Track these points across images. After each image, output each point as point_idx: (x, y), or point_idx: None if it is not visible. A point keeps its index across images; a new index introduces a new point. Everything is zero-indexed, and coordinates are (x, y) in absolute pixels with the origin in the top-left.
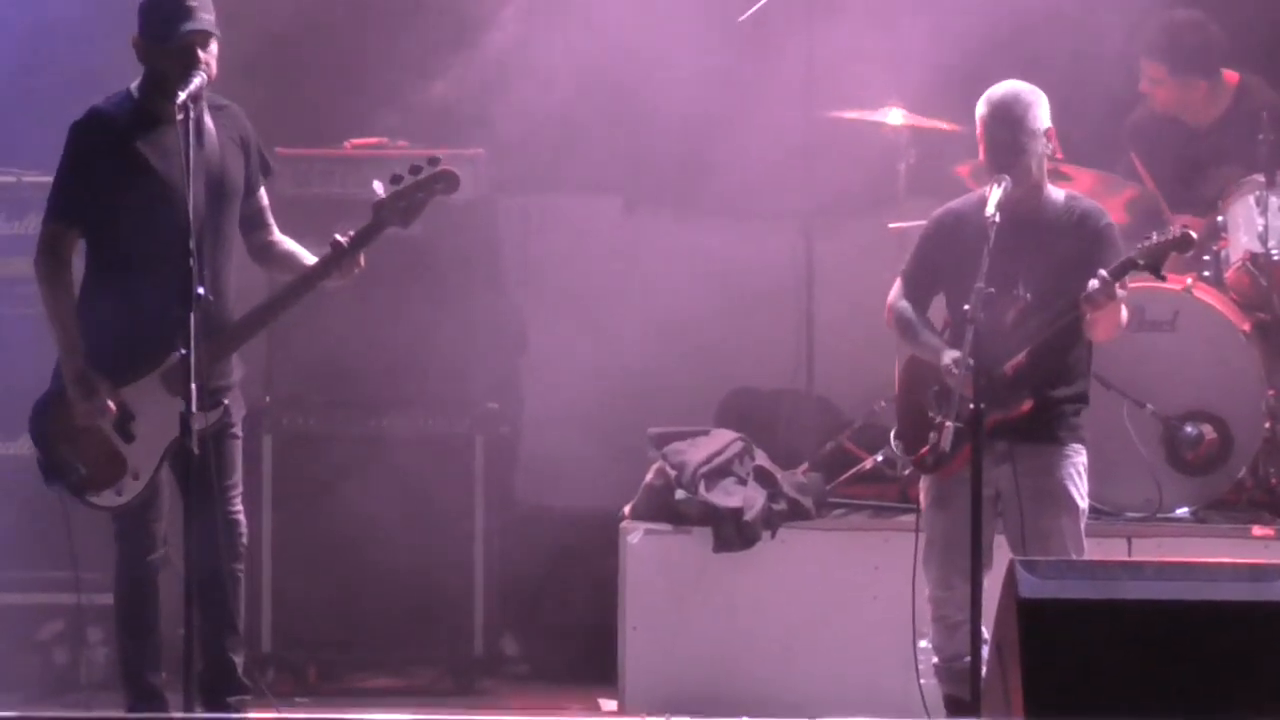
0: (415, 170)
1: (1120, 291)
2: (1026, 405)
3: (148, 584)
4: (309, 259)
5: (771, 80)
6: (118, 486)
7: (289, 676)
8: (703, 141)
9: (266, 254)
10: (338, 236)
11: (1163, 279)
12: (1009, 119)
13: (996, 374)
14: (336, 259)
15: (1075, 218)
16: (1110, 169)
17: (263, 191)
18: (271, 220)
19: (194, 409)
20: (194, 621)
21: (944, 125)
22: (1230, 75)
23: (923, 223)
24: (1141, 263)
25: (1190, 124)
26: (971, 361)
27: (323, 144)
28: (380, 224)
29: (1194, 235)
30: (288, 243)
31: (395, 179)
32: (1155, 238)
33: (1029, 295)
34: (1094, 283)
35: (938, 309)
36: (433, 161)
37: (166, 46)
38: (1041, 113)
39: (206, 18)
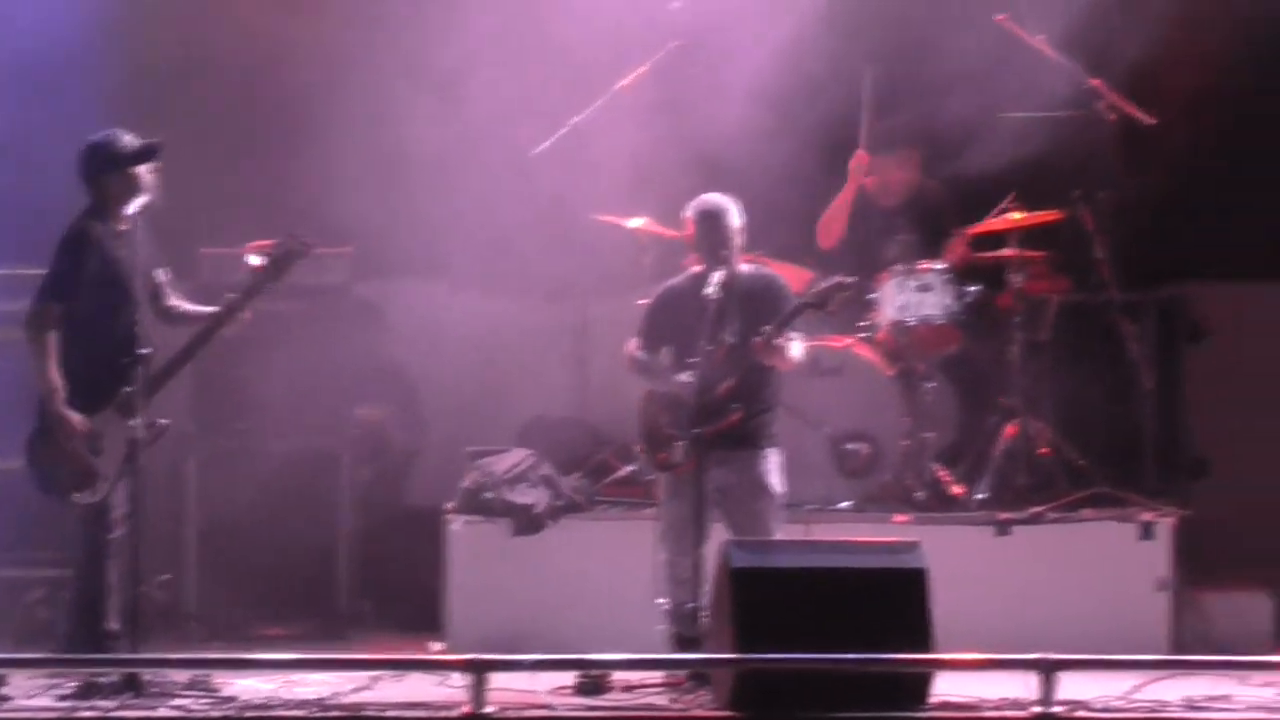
0: (278, 246)
1: (787, 339)
2: (736, 415)
3: (108, 556)
4: (205, 313)
5: (563, 190)
6: (92, 488)
7: (207, 627)
8: (510, 236)
9: (169, 316)
10: (227, 295)
11: (832, 313)
12: (718, 223)
13: (714, 393)
14: (228, 311)
15: (763, 283)
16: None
17: (162, 270)
18: (170, 290)
19: (141, 430)
20: (136, 577)
21: (674, 232)
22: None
23: None
24: (812, 302)
25: (884, 204)
26: (696, 385)
27: (232, 244)
28: (256, 284)
29: (846, 281)
30: (185, 304)
31: (263, 252)
32: (820, 285)
33: (733, 339)
34: (758, 337)
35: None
36: (290, 238)
37: (121, 174)
38: (737, 215)
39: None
